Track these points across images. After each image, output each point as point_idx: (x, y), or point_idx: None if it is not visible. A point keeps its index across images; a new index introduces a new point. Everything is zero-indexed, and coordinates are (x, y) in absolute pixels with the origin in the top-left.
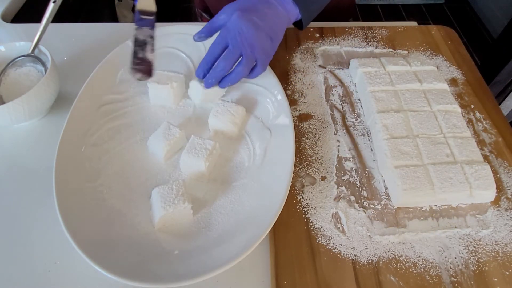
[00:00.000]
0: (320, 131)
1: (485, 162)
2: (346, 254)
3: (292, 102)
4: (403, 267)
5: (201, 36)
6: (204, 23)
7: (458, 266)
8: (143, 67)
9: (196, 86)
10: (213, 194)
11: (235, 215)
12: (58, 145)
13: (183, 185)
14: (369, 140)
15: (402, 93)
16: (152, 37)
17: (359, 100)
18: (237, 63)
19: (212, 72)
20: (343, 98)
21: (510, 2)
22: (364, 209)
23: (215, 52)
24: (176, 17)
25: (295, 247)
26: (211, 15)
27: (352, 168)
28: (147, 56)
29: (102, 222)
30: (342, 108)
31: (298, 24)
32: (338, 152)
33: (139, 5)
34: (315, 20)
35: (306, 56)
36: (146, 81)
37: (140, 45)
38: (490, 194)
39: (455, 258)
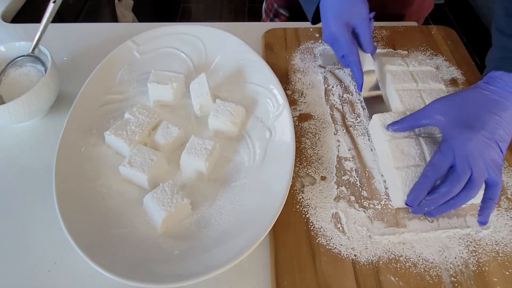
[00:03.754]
0: (320, 131)
1: None
2: (346, 254)
3: (292, 102)
4: (403, 267)
5: (396, 128)
6: (273, 23)
7: (458, 266)
8: None
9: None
10: (213, 194)
11: (235, 215)
12: (58, 145)
13: (174, 184)
14: (369, 140)
15: (399, 93)
16: None
17: (359, 100)
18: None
19: (433, 200)
20: (343, 98)
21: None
22: (364, 209)
23: (436, 176)
24: (176, 17)
25: (295, 247)
26: (292, 11)
27: (352, 168)
28: None
29: (102, 222)
30: (342, 108)
31: None
32: (338, 152)
33: (366, 68)
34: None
35: (306, 56)
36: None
37: None
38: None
39: (455, 258)
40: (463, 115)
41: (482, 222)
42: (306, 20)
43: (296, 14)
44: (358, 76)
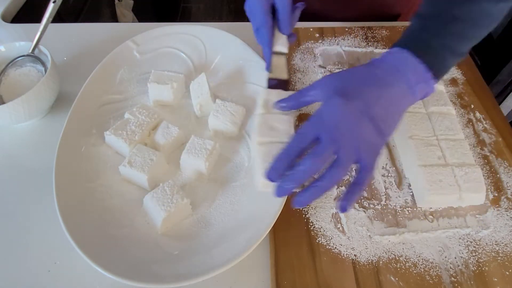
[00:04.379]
0: None
1: (476, 165)
2: (346, 254)
3: None
4: (403, 267)
5: (283, 106)
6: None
7: (458, 266)
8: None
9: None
10: (213, 194)
11: (235, 215)
12: (58, 145)
13: (174, 184)
14: None
15: None
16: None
17: None
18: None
19: (293, 174)
20: None
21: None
22: (364, 209)
23: (300, 145)
24: (176, 17)
25: (295, 247)
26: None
27: (352, 168)
28: None
29: (102, 222)
30: None
31: None
32: None
33: (276, 48)
34: (315, 20)
35: (306, 56)
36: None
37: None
38: (479, 197)
39: (455, 258)
40: (342, 86)
41: (342, 208)
42: (305, 16)
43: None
44: (266, 54)
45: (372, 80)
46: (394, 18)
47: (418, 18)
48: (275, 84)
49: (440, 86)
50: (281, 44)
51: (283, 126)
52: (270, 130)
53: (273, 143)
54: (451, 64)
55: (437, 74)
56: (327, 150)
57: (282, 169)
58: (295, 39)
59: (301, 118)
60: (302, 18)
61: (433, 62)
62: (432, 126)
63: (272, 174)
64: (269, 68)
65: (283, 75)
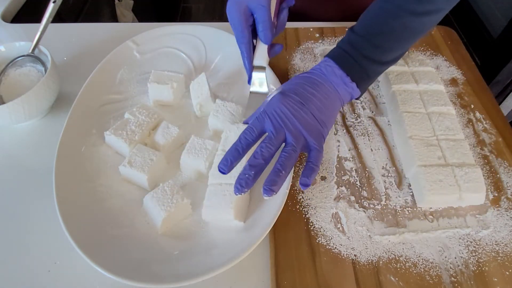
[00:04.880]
0: None
1: (476, 165)
2: (346, 254)
3: None
4: (403, 267)
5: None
6: None
7: (458, 266)
8: None
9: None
10: None
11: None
12: (58, 145)
13: (174, 184)
14: (369, 140)
15: (399, 93)
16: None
17: (359, 100)
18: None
19: (250, 162)
20: None
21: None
22: (364, 209)
23: (248, 138)
24: (176, 17)
25: (295, 247)
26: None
27: (352, 168)
28: None
29: (102, 222)
30: (342, 108)
31: None
32: (338, 152)
33: (255, 63)
34: (316, 20)
35: (306, 56)
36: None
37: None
38: (479, 197)
39: (455, 258)
40: (283, 89)
41: (304, 185)
42: (304, 17)
43: (295, 11)
44: (247, 67)
45: (307, 82)
46: None
47: (349, 32)
48: (255, 99)
49: (440, 86)
50: (261, 58)
51: (235, 168)
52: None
53: (222, 185)
54: (378, 70)
55: (359, 79)
56: (277, 136)
57: (231, 160)
58: (281, 49)
59: None
60: (299, 18)
61: (353, 69)
62: (432, 126)
63: (223, 164)
64: (250, 82)
65: (264, 89)
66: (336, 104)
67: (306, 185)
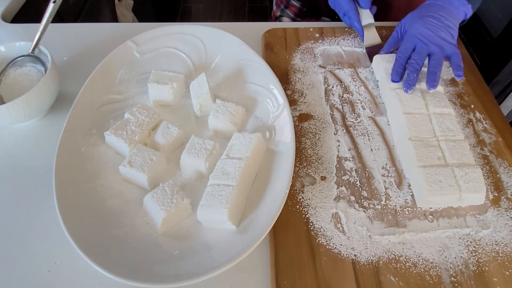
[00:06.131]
0: (320, 131)
1: (476, 165)
2: (346, 254)
3: (292, 102)
4: (403, 267)
5: (384, 52)
6: (273, 23)
7: (458, 266)
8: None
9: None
10: None
11: None
12: (58, 145)
13: (174, 184)
14: (369, 140)
15: (399, 93)
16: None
17: (359, 100)
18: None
19: (409, 68)
20: (343, 98)
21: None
22: (364, 209)
23: (405, 55)
24: (176, 17)
25: (295, 247)
26: (303, 2)
27: (352, 168)
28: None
29: (102, 222)
30: (342, 108)
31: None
32: (338, 152)
33: (364, 22)
34: (316, 20)
35: (306, 56)
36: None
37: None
38: (479, 197)
39: (455, 258)
40: (419, 15)
41: (459, 76)
42: (315, 13)
43: (308, 5)
44: (359, 29)
45: (434, 7)
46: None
47: None
48: (373, 50)
49: (439, 87)
50: (367, 17)
51: (235, 171)
52: (222, 174)
53: (220, 186)
54: None
55: (473, 2)
56: (424, 49)
57: (400, 72)
58: (375, 10)
59: (301, 118)
60: (312, 11)
61: None
62: (433, 127)
63: (395, 76)
64: (364, 41)
65: (377, 40)
66: (458, 21)
67: (460, 76)
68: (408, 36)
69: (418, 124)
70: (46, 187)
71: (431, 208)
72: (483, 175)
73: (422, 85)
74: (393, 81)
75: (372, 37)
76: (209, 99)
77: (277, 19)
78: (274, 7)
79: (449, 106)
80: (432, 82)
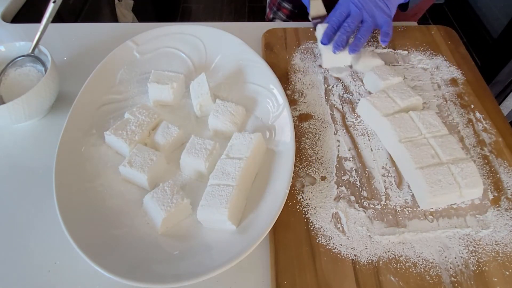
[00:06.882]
0: (320, 131)
1: (468, 159)
2: (346, 254)
3: (292, 102)
4: (403, 267)
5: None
6: (273, 23)
7: (458, 266)
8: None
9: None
10: None
11: None
12: (58, 145)
13: (174, 184)
14: (369, 140)
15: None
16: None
17: (359, 100)
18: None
19: (340, 31)
20: (343, 98)
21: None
22: (364, 209)
23: (339, 18)
24: (176, 17)
25: (295, 247)
26: (295, 4)
27: (352, 168)
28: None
29: (102, 222)
30: (342, 108)
31: (403, 7)
32: (338, 152)
33: (312, 13)
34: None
35: (306, 56)
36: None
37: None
38: (478, 191)
39: (455, 258)
40: None
41: (385, 41)
42: (306, 15)
43: (299, 7)
44: (305, 0)
45: None
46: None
47: None
48: (318, 21)
49: (399, 78)
50: None
51: (235, 171)
52: (222, 174)
53: (220, 186)
54: None
55: None
56: (357, 16)
57: (330, 34)
58: None
59: (301, 118)
60: (303, 13)
61: None
62: (416, 125)
63: (324, 39)
64: (310, 12)
65: (323, 12)
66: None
67: (385, 42)
68: (343, 0)
69: (402, 125)
70: (46, 187)
71: (431, 208)
72: (483, 175)
73: (383, 84)
74: (322, 43)
75: (318, 8)
76: (209, 99)
77: (270, 21)
78: (267, 10)
79: (413, 95)
80: (354, 46)
